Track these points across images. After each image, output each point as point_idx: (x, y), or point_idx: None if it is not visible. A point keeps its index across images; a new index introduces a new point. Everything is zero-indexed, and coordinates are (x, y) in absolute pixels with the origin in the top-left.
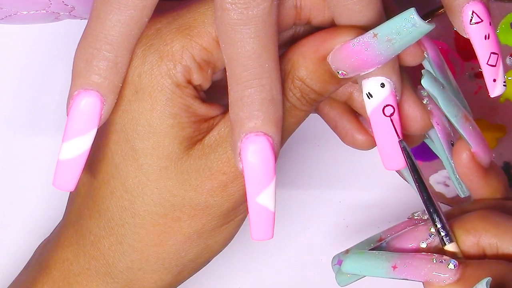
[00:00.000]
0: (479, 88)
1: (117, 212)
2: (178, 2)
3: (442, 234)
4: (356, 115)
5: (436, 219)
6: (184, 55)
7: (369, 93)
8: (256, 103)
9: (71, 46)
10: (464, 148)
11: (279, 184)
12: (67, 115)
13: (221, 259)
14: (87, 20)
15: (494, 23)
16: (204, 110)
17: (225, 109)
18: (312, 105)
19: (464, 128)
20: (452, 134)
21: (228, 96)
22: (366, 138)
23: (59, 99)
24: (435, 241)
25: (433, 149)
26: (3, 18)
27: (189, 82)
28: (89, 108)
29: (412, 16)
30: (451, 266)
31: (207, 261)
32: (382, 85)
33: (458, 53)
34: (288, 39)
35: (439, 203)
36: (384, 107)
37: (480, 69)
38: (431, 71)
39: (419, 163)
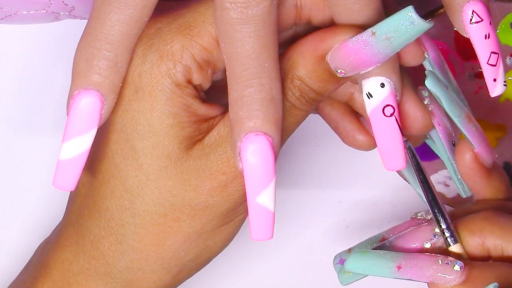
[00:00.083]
0: (479, 88)
1: (117, 212)
2: (179, 2)
3: (447, 234)
4: (357, 115)
5: (441, 220)
6: (184, 54)
7: (369, 93)
8: (256, 102)
9: (71, 46)
10: (467, 148)
11: (279, 184)
12: (67, 115)
13: (221, 259)
14: (87, 20)
15: (494, 22)
16: (204, 110)
17: (225, 109)
18: (311, 104)
19: (467, 129)
20: (453, 134)
21: (228, 95)
22: (367, 138)
23: (59, 99)
24: (439, 241)
25: (434, 150)
26: (3, 18)
27: (189, 82)
28: (89, 107)
29: (410, 14)
30: (457, 267)
31: (207, 261)
32: (382, 85)
33: (458, 53)
34: (289, 39)
35: (443, 203)
36: (384, 107)
37: (480, 69)
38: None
39: None
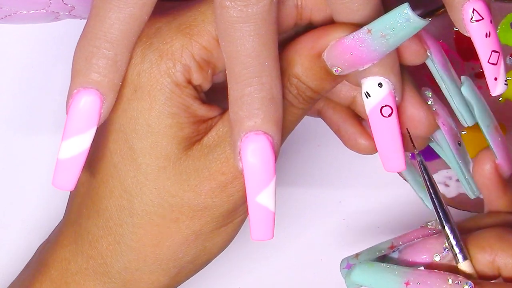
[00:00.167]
0: (479, 88)
1: (115, 212)
2: (179, 1)
3: (456, 251)
4: (359, 119)
5: (450, 236)
6: (184, 54)
7: (367, 92)
8: (256, 101)
9: (71, 46)
10: (489, 159)
11: (279, 184)
12: (67, 114)
13: (221, 259)
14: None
15: (494, 22)
16: (203, 111)
17: (224, 110)
18: (308, 103)
19: (494, 139)
20: (458, 135)
21: (228, 95)
22: (369, 142)
23: (59, 98)
24: (449, 255)
25: (438, 152)
26: (2, 18)
27: (189, 82)
28: (89, 106)
29: (405, 11)
30: None
31: (206, 263)
32: (380, 85)
33: (458, 53)
34: (289, 40)
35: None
36: (382, 107)
37: (480, 69)
38: (435, 70)
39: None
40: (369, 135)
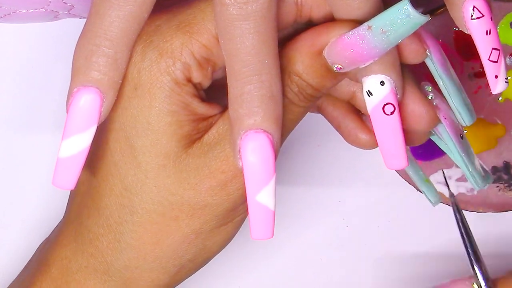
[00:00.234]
0: (478, 88)
1: (115, 210)
2: None
3: None
4: (360, 114)
5: (480, 275)
6: (184, 52)
7: (368, 91)
8: (256, 99)
9: (70, 45)
10: None
11: (279, 184)
12: (67, 112)
13: (221, 259)
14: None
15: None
16: (203, 109)
17: (224, 108)
18: (309, 101)
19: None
20: (460, 127)
21: (228, 93)
22: (369, 137)
23: (59, 98)
24: None
25: (440, 146)
26: (2, 17)
27: (189, 80)
28: (89, 105)
29: (406, 7)
30: None
31: (205, 262)
32: (382, 83)
33: (458, 52)
34: (289, 37)
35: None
36: (384, 105)
37: (480, 68)
38: (434, 69)
39: (418, 163)
40: (369, 129)
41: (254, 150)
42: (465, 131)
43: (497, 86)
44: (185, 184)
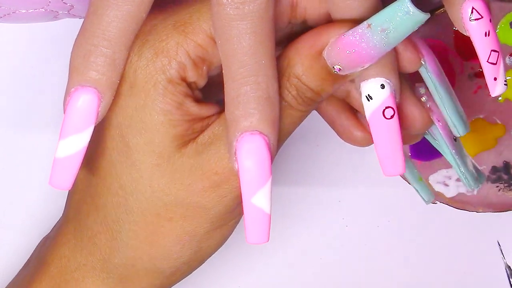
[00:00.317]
0: (478, 88)
1: (112, 209)
2: None
3: None
4: (354, 111)
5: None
6: (179, 51)
7: (368, 95)
8: (252, 101)
9: (70, 45)
10: None
11: (279, 184)
12: (64, 112)
13: (221, 259)
14: None
15: (494, 21)
16: (197, 109)
17: (221, 109)
18: (308, 105)
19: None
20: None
21: (224, 94)
22: (364, 134)
23: (58, 98)
24: None
25: (434, 145)
26: (1, 17)
27: (183, 79)
28: (86, 105)
29: (405, 4)
30: None
31: (199, 265)
32: (382, 87)
33: (458, 52)
34: (285, 38)
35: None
36: (384, 109)
37: (480, 68)
38: (428, 78)
39: (418, 163)
40: (363, 127)
41: (249, 152)
42: None
43: (496, 89)
44: (178, 184)
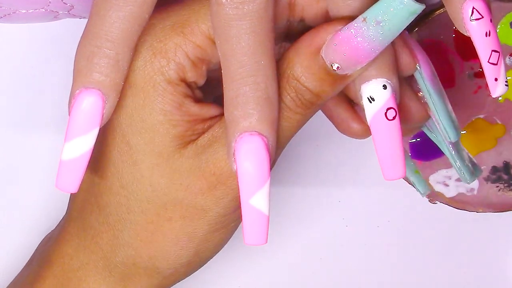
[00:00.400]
0: (478, 88)
1: (114, 208)
2: None
3: None
4: (352, 104)
5: None
6: (178, 52)
7: (370, 96)
8: (251, 101)
9: (70, 45)
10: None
11: (279, 184)
12: (69, 115)
13: (220, 259)
14: (86, 19)
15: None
16: (197, 109)
17: (222, 111)
18: (307, 107)
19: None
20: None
21: (223, 95)
22: (361, 127)
23: (59, 98)
24: None
25: (431, 137)
26: (1, 17)
27: (183, 80)
28: (91, 107)
29: None
30: None
31: (198, 267)
32: (384, 87)
33: (458, 52)
34: (282, 35)
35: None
36: (387, 110)
37: (480, 68)
38: (422, 83)
39: (418, 163)
40: (361, 119)
41: (248, 153)
42: (465, 131)
43: (496, 89)
44: (177, 185)
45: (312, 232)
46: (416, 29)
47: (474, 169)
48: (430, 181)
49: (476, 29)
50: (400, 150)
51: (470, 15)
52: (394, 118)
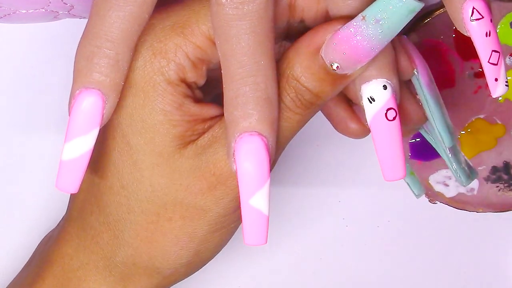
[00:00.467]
0: (478, 88)
1: (114, 208)
2: None
3: None
4: (350, 103)
5: None
6: (178, 53)
7: (370, 97)
8: (251, 101)
9: (70, 45)
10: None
11: (279, 184)
12: (69, 115)
13: (220, 259)
14: (86, 19)
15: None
16: (197, 109)
17: (222, 111)
18: (307, 108)
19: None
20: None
21: (223, 95)
22: (359, 127)
23: (59, 98)
24: None
25: (428, 140)
26: (1, 17)
27: (183, 80)
28: (91, 107)
29: None
30: None
31: (199, 268)
32: (384, 87)
33: (458, 52)
34: (281, 35)
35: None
36: (387, 110)
37: (480, 68)
38: (419, 89)
39: (418, 163)
40: (359, 119)
41: (248, 153)
42: (464, 131)
43: (497, 90)
44: (177, 185)
45: (312, 232)
46: (416, 29)
47: (470, 172)
48: (430, 181)
49: (476, 29)
50: (400, 150)
51: (470, 15)
52: (394, 118)
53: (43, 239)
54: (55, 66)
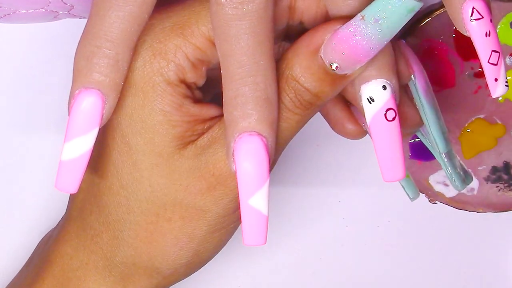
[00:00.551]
0: (478, 88)
1: (114, 208)
2: None
3: None
4: (348, 104)
5: None
6: (178, 54)
7: (370, 97)
8: (250, 101)
9: (70, 45)
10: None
11: (279, 184)
12: (69, 115)
13: (220, 259)
14: (86, 19)
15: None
16: (197, 109)
17: (222, 112)
18: (306, 108)
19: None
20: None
21: (223, 96)
22: (356, 127)
23: (58, 98)
24: None
25: (424, 143)
26: (1, 17)
27: (182, 81)
28: (90, 107)
29: None
30: None
31: (198, 268)
32: (384, 88)
33: (458, 52)
34: (280, 35)
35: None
36: (386, 111)
37: (480, 68)
38: (416, 94)
39: (418, 163)
40: (356, 120)
41: (247, 153)
42: (463, 132)
43: (497, 90)
44: (176, 185)
45: (312, 232)
46: (416, 29)
47: (465, 177)
48: (430, 181)
49: (476, 29)
50: (400, 151)
51: (470, 15)
52: (393, 119)
53: (42, 239)
54: (55, 66)
